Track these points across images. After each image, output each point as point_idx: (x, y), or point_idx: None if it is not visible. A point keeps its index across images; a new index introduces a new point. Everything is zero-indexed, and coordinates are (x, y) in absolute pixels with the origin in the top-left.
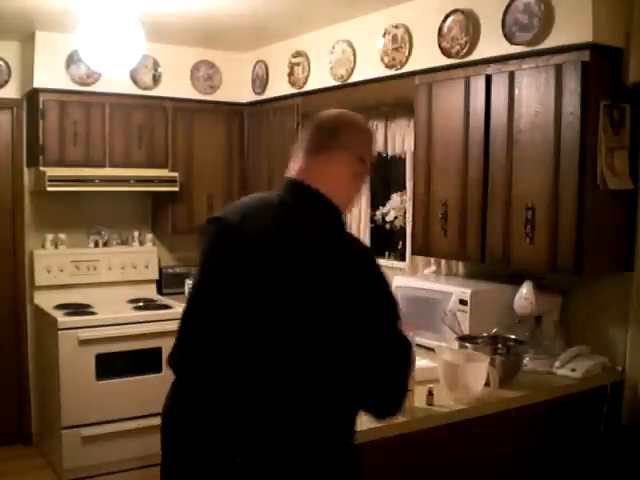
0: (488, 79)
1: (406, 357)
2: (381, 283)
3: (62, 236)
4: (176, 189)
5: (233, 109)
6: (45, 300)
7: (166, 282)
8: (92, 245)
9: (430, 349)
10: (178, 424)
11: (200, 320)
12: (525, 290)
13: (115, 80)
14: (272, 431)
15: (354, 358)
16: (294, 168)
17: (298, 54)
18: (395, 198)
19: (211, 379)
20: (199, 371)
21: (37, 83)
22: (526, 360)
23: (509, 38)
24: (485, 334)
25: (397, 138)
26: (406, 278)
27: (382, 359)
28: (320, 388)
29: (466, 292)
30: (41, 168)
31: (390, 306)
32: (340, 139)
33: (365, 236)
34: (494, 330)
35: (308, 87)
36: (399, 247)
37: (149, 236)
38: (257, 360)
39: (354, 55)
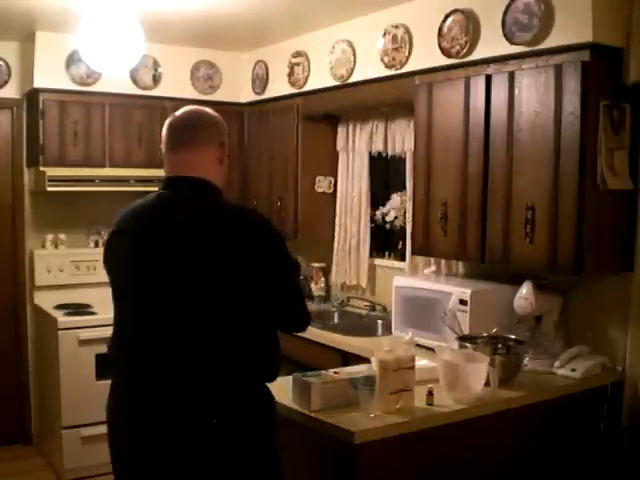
0: (488, 79)
1: (302, 296)
2: (278, 241)
3: (62, 236)
4: None
5: (233, 109)
6: (45, 300)
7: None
8: (92, 245)
9: (430, 349)
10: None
11: (136, 314)
12: (525, 290)
13: (115, 80)
14: (213, 380)
15: (268, 306)
16: (167, 167)
17: (298, 54)
18: (395, 198)
19: (158, 355)
20: (145, 355)
21: (37, 83)
22: (526, 360)
23: (509, 38)
24: (485, 334)
25: (397, 138)
26: (406, 278)
27: (288, 302)
28: (246, 332)
29: (466, 292)
30: (41, 168)
31: (287, 261)
32: (201, 134)
33: (365, 236)
34: (494, 330)
35: (308, 87)
36: (399, 247)
37: None
38: (194, 329)
39: (354, 55)
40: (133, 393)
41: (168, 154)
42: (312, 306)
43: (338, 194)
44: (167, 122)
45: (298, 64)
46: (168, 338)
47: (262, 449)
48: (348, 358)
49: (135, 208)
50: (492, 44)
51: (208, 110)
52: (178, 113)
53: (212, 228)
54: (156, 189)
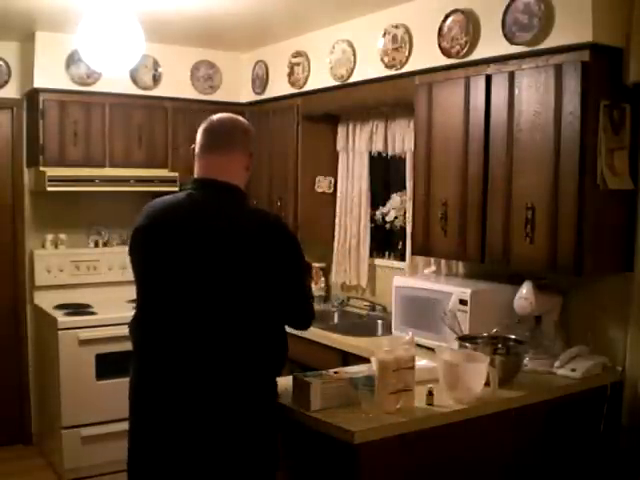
0: (488, 79)
1: (310, 296)
2: (294, 245)
3: (62, 236)
4: (176, 189)
5: (233, 109)
6: (45, 300)
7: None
8: (92, 245)
9: (430, 349)
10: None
11: (154, 303)
12: (525, 290)
13: (115, 80)
14: (222, 375)
15: (279, 302)
16: (198, 169)
17: (298, 54)
18: (395, 198)
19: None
20: (163, 339)
21: (37, 83)
22: (526, 360)
23: (509, 38)
24: (485, 334)
25: (397, 138)
26: (406, 278)
27: (297, 301)
28: (258, 325)
29: (466, 292)
30: (41, 168)
31: (300, 263)
32: (235, 140)
33: (365, 236)
34: (494, 330)
35: (308, 87)
36: (399, 247)
37: None
38: (210, 318)
39: (354, 55)
40: (155, 375)
41: (201, 156)
42: None
43: (338, 194)
44: (203, 126)
45: (298, 64)
46: (188, 327)
47: (266, 440)
48: (348, 358)
49: (167, 205)
50: (492, 44)
51: (241, 119)
52: (215, 118)
53: (235, 228)
54: (156, 189)
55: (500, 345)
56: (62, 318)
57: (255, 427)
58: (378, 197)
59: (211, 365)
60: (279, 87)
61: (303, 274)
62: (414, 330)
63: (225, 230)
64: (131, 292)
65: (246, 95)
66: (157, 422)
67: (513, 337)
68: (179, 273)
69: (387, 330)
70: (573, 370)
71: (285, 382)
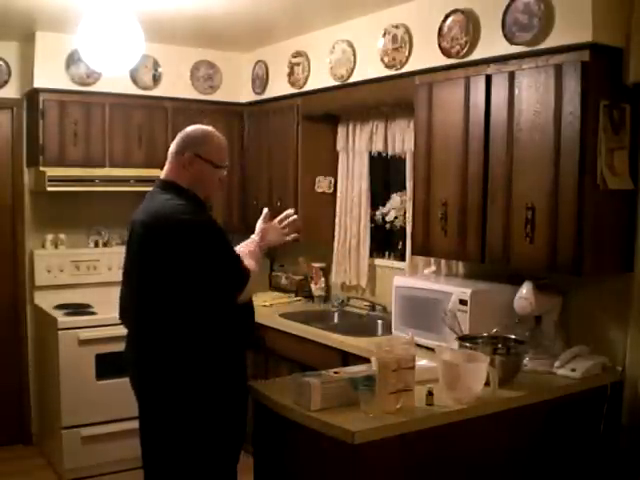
0: (488, 79)
1: (229, 264)
2: (188, 233)
3: (62, 236)
4: None
5: (233, 109)
6: (45, 300)
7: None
8: (92, 245)
9: (430, 349)
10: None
11: (123, 290)
12: (525, 290)
13: (115, 80)
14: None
15: (201, 282)
16: (164, 170)
17: (298, 54)
18: (395, 198)
19: (130, 326)
20: (126, 321)
21: (37, 83)
22: (526, 360)
23: (509, 38)
24: (485, 334)
25: (397, 138)
26: (406, 278)
27: (220, 273)
28: (189, 314)
29: (466, 292)
30: (41, 168)
31: (200, 247)
32: (175, 146)
33: (365, 236)
34: (494, 330)
35: (308, 87)
36: (399, 247)
37: None
38: (144, 308)
39: (354, 55)
40: (131, 351)
41: (168, 160)
42: (312, 306)
43: (338, 194)
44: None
45: (298, 64)
46: (137, 313)
47: (223, 413)
48: (348, 358)
49: (143, 203)
50: (492, 44)
51: (193, 127)
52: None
53: (149, 222)
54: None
55: (500, 345)
56: (62, 318)
57: (211, 397)
58: (378, 197)
59: (157, 351)
60: (279, 87)
61: (208, 257)
62: (414, 330)
63: (144, 223)
64: None
65: (246, 95)
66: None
67: (513, 337)
68: (126, 265)
69: (387, 330)
70: (573, 370)
71: (285, 382)
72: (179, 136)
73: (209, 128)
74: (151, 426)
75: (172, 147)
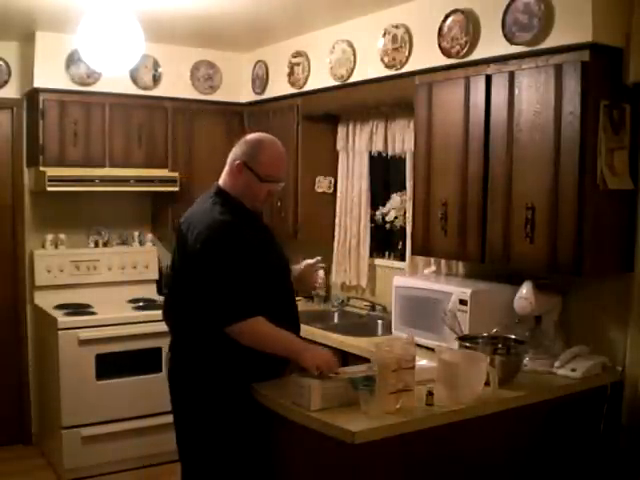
0: (488, 79)
1: (217, 301)
2: (204, 246)
3: (62, 236)
4: (176, 189)
5: (233, 109)
6: (45, 300)
7: (166, 282)
8: (92, 245)
9: (430, 349)
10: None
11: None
12: (525, 290)
13: (115, 80)
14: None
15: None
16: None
17: (298, 54)
18: (395, 198)
19: (167, 325)
20: (166, 321)
21: (37, 83)
22: (526, 360)
23: (509, 38)
24: (485, 334)
25: (397, 138)
26: (406, 278)
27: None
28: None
29: (466, 292)
30: (41, 168)
31: (206, 265)
32: (238, 152)
33: (365, 236)
34: (494, 330)
35: (308, 87)
36: (399, 247)
37: (149, 236)
38: (174, 308)
39: (354, 55)
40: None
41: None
42: (312, 306)
43: (338, 194)
44: None
45: (298, 64)
46: (170, 313)
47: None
48: (348, 358)
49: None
50: (492, 44)
51: (261, 136)
52: None
53: (185, 226)
54: (156, 189)
55: (500, 345)
56: (62, 318)
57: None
58: (378, 197)
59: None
60: (279, 87)
61: (209, 276)
62: (414, 330)
63: (182, 225)
64: (131, 292)
65: (246, 95)
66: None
67: (513, 337)
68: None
69: (387, 330)
70: (573, 370)
71: (285, 382)
72: (238, 141)
73: (267, 138)
74: (184, 421)
75: (231, 152)
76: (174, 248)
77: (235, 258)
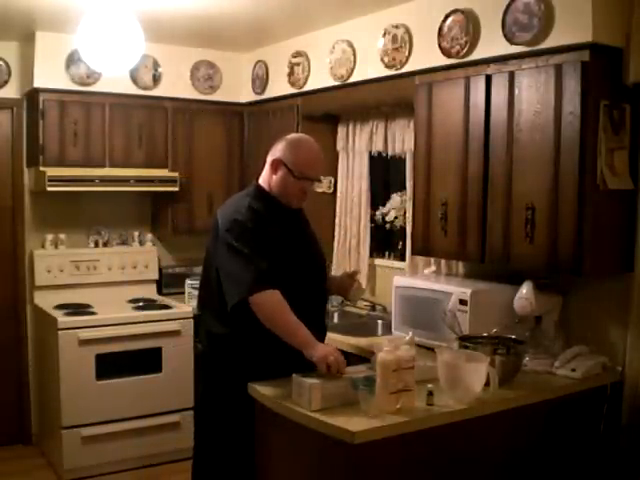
0: (488, 79)
1: (232, 280)
2: (227, 230)
3: (62, 236)
4: (176, 189)
5: (233, 109)
6: (45, 300)
7: (166, 282)
8: (92, 245)
9: (430, 349)
10: None
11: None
12: (525, 290)
13: (115, 80)
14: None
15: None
16: None
17: (298, 54)
18: (395, 198)
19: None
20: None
21: (37, 83)
22: (526, 360)
23: (509, 38)
24: (485, 334)
25: (397, 138)
26: (406, 278)
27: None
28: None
29: (466, 292)
30: (41, 168)
31: (226, 247)
32: (276, 149)
33: (365, 236)
34: (494, 330)
35: (308, 87)
36: (399, 247)
37: (149, 236)
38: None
39: (354, 55)
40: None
41: None
42: None
43: (338, 194)
44: None
45: (298, 64)
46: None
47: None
48: (348, 358)
49: None
50: (492, 44)
51: (297, 136)
52: None
53: (217, 217)
54: (156, 189)
55: (500, 345)
56: (62, 318)
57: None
58: (378, 197)
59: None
60: (279, 87)
61: (228, 257)
62: (414, 330)
63: (217, 216)
64: (131, 292)
65: (246, 95)
66: None
67: (513, 337)
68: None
69: (387, 330)
70: (573, 370)
71: (285, 382)
72: (278, 140)
73: (305, 138)
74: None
75: (271, 149)
76: (208, 241)
77: (257, 236)
